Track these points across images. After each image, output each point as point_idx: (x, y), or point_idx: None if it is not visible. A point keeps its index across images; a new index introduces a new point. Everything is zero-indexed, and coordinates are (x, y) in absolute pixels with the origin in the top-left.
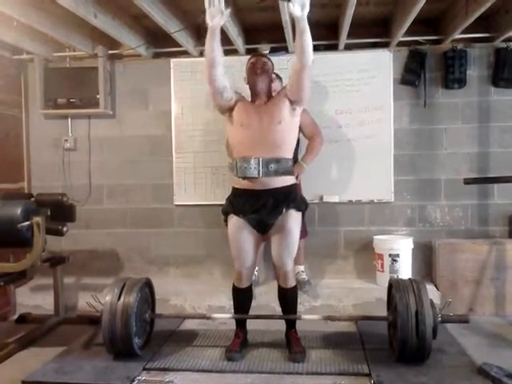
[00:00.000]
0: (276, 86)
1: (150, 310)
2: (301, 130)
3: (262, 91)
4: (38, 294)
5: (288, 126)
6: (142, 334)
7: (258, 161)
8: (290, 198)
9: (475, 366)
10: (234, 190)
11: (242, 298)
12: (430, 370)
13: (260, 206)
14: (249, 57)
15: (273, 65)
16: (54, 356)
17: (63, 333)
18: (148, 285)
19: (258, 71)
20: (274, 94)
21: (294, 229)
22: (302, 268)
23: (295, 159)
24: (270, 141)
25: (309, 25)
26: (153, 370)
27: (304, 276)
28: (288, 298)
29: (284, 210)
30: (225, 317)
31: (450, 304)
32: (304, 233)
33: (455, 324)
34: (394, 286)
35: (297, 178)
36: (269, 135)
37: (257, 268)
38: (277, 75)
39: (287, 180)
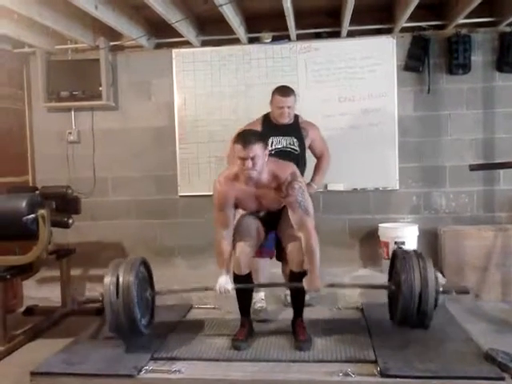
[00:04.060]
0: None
1: (150, 288)
2: (310, 148)
3: None
4: (44, 287)
5: None
6: (146, 313)
7: None
8: None
9: (481, 351)
10: None
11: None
12: (436, 356)
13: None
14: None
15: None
16: (61, 347)
17: (70, 324)
18: (144, 263)
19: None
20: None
21: None
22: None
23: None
24: None
25: (311, 12)
26: (160, 360)
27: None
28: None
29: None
30: (228, 288)
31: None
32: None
33: (461, 311)
34: (398, 256)
35: None
36: None
37: None
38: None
39: None
